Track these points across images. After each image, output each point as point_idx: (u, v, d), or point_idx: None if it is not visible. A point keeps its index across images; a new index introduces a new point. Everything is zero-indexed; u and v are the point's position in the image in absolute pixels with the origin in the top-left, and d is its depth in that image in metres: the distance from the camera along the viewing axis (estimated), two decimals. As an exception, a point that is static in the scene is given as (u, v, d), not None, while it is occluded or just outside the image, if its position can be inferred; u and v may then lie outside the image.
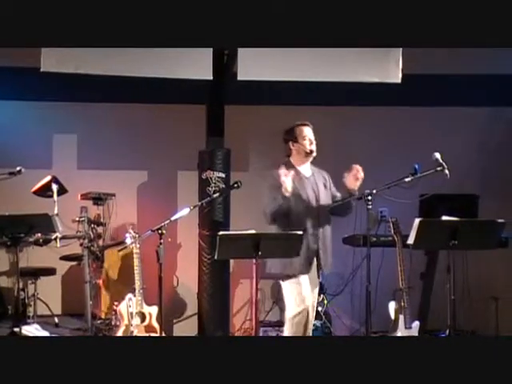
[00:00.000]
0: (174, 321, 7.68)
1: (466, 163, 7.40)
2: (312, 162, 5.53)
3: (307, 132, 5.41)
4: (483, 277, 7.32)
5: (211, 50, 6.52)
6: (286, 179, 5.15)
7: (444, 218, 5.16)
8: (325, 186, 5.47)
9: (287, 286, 5.35)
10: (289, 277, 5.32)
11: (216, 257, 5.14)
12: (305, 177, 5.43)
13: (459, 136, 7.57)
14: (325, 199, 5.43)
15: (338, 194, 5.47)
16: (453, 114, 7.68)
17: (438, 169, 5.16)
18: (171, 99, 7.48)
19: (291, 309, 5.29)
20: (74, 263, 7.34)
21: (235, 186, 5.58)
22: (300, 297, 5.29)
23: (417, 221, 5.05)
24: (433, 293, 7.05)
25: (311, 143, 5.40)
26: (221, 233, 5.10)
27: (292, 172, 5.23)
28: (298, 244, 5.10)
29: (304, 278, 5.31)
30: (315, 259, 5.35)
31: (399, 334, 6.25)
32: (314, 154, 5.42)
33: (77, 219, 6.86)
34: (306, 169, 5.46)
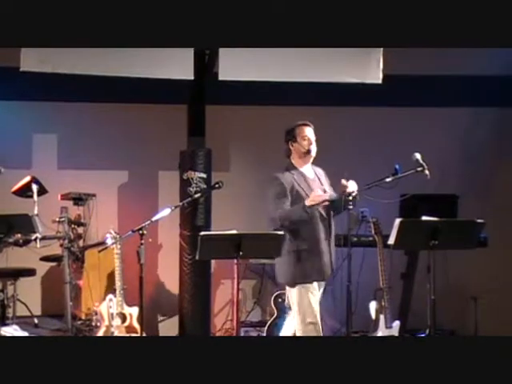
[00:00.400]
0: (155, 321, 7.65)
1: (445, 163, 7.44)
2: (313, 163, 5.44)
3: (307, 132, 5.33)
4: (463, 277, 7.37)
5: (192, 50, 6.51)
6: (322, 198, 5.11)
7: (424, 218, 5.19)
8: (327, 185, 5.40)
9: (295, 293, 5.27)
10: (299, 283, 5.26)
11: (197, 257, 5.13)
12: (310, 179, 5.35)
13: (439, 136, 7.61)
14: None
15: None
16: (433, 114, 7.72)
17: (419, 169, 5.19)
18: (152, 99, 7.46)
19: (303, 317, 5.21)
20: (54, 264, 7.30)
21: (216, 186, 5.58)
22: (311, 307, 5.21)
23: (397, 221, 5.07)
24: (413, 293, 7.08)
25: (310, 143, 5.31)
26: (202, 233, 5.09)
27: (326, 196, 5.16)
28: (279, 244, 5.10)
29: (315, 286, 5.25)
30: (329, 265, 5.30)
31: (380, 333, 6.27)
32: (313, 155, 5.35)
33: (57, 220, 6.82)
34: (308, 170, 5.39)
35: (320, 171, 5.47)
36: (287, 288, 5.37)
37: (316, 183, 5.36)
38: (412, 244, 5.39)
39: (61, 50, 5.84)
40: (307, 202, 5.12)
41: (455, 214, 6.84)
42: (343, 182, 5.13)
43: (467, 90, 7.59)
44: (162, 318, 7.65)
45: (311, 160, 5.39)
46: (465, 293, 7.25)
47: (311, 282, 5.24)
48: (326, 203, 5.23)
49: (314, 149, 5.34)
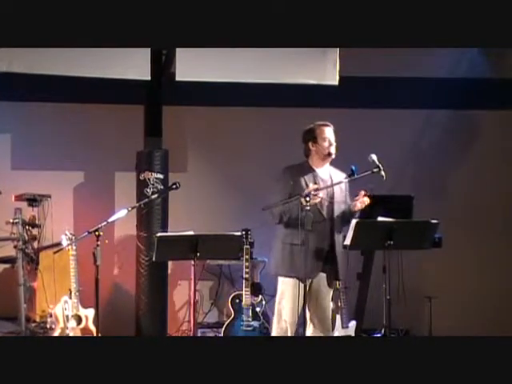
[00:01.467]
0: (111, 323, 7.59)
1: (400, 164, 7.54)
2: (330, 163, 5.40)
3: (328, 133, 5.29)
4: (418, 277, 7.46)
5: (149, 50, 6.48)
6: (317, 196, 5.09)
7: (380, 218, 5.24)
8: (340, 189, 5.31)
9: (279, 285, 5.27)
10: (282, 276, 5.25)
11: (154, 258, 5.11)
12: (321, 179, 5.29)
13: (394, 138, 7.69)
14: (340, 201, 5.29)
15: (348, 200, 5.34)
16: (387, 115, 7.80)
17: (375, 170, 5.23)
18: (108, 99, 7.40)
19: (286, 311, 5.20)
20: (7, 266, 7.20)
21: (173, 187, 5.56)
22: (289, 304, 5.18)
23: (353, 221, 5.12)
24: (369, 293, 7.14)
25: (330, 145, 5.26)
26: (159, 234, 5.08)
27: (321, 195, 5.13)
28: (236, 245, 5.11)
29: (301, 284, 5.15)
30: (327, 264, 5.22)
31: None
32: (333, 156, 5.30)
33: (11, 221, 6.74)
34: (323, 171, 5.32)
35: (339, 175, 5.34)
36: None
37: (326, 184, 5.27)
38: (368, 244, 5.44)
39: (16, 49, 5.76)
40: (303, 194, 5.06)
41: (410, 215, 6.91)
42: (364, 198, 5.14)
43: (420, 91, 7.68)
44: (118, 319, 7.59)
45: (329, 161, 5.33)
46: (419, 293, 7.34)
47: (293, 278, 5.18)
48: (326, 203, 5.19)
49: (333, 150, 5.29)
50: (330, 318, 5.33)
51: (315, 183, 5.21)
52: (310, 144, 5.31)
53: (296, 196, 5.11)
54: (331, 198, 5.26)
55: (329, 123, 5.35)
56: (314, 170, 5.30)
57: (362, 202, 5.17)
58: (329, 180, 5.32)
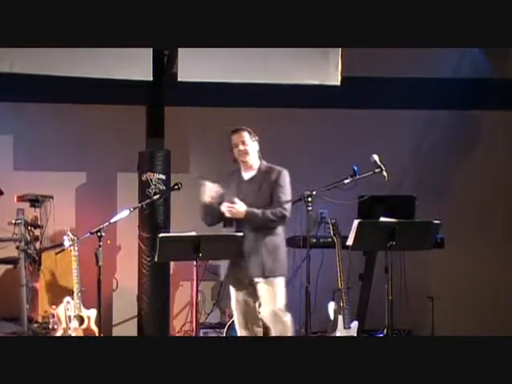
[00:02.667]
0: (113, 323, 7.60)
1: (402, 165, 7.54)
2: (269, 161, 5.40)
3: (234, 139, 5.29)
4: (420, 277, 7.46)
5: (151, 50, 6.48)
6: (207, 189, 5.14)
7: (382, 219, 5.24)
8: (260, 188, 5.29)
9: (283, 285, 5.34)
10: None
11: (156, 259, 5.11)
12: (243, 180, 5.33)
13: (396, 138, 7.69)
14: (255, 202, 5.25)
15: (280, 195, 5.29)
16: (390, 116, 7.80)
17: (377, 170, 5.23)
18: (111, 100, 7.40)
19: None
20: (10, 266, 7.20)
21: (175, 187, 5.56)
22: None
23: (356, 222, 5.11)
24: (371, 293, 7.14)
25: (238, 150, 5.27)
26: (161, 235, 5.08)
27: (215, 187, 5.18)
28: (238, 246, 5.10)
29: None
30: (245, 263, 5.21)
31: (338, 334, 6.31)
32: (244, 160, 5.27)
33: (13, 222, 6.75)
34: (248, 173, 5.34)
35: (274, 174, 5.32)
36: (274, 280, 5.29)
37: (246, 185, 5.28)
38: (370, 245, 5.44)
39: (18, 50, 5.76)
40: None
41: (412, 215, 6.91)
42: (237, 206, 5.16)
43: (422, 92, 7.68)
44: (120, 320, 7.59)
45: (249, 165, 5.30)
46: (422, 293, 7.34)
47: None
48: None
49: (245, 156, 5.26)
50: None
51: (238, 189, 5.25)
52: (232, 153, 5.34)
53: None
54: (244, 197, 5.25)
55: (237, 128, 5.32)
56: (240, 175, 5.34)
57: (229, 209, 5.15)
58: (251, 181, 5.29)
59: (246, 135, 5.30)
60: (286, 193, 5.29)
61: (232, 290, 5.32)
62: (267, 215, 5.19)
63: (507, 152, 7.88)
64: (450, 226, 5.97)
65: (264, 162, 5.39)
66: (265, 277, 5.20)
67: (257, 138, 5.37)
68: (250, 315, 5.27)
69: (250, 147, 5.30)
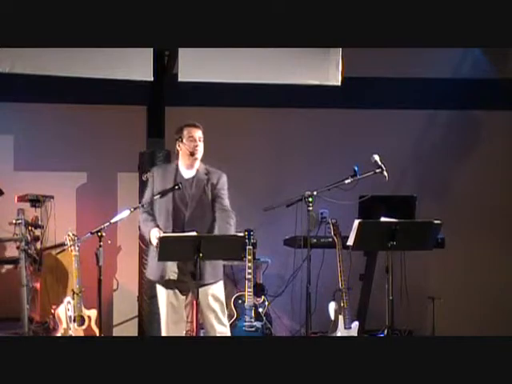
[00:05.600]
0: (114, 324, 7.60)
1: (402, 165, 7.54)
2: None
3: (192, 132, 5.22)
4: (420, 277, 7.46)
5: (151, 50, 6.48)
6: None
7: (383, 219, 5.24)
8: (204, 190, 5.22)
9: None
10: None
11: (157, 259, 5.10)
12: (184, 179, 5.24)
13: (396, 138, 7.69)
14: (195, 202, 5.20)
15: (225, 201, 5.24)
16: (390, 116, 7.80)
17: (377, 171, 5.24)
18: (111, 100, 7.40)
19: None
20: (10, 266, 7.20)
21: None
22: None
23: (356, 222, 5.11)
24: (372, 293, 7.14)
25: (196, 146, 5.21)
26: (161, 235, 5.07)
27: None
28: (239, 246, 5.10)
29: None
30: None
31: (339, 334, 6.32)
32: (196, 157, 5.21)
33: (13, 222, 6.75)
34: (188, 171, 5.25)
35: (215, 177, 5.26)
36: (219, 285, 5.28)
37: (187, 184, 5.22)
38: (371, 245, 5.44)
39: (18, 50, 5.77)
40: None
41: (413, 215, 6.91)
42: None
43: (423, 92, 7.69)
44: (120, 320, 7.59)
45: (196, 162, 5.24)
46: (422, 293, 7.34)
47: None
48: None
49: (198, 151, 5.21)
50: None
51: (176, 183, 5.17)
52: (178, 144, 5.26)
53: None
54: (187, 201, 5.20)
55: (198, 124, 5.27)
56: (177, 171, 5.25)
57: None
58: (190, 180, 5.23)
59: (201, 133, 5.27)
60: (227, 198, 5.27)
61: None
62: (232, 229, 5.18)
63: (507, 152, 7.88)
64: (450, 226, 5.97)
65: (202, 164, 5.31)
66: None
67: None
68: None
69: (202, 146, 5.26)
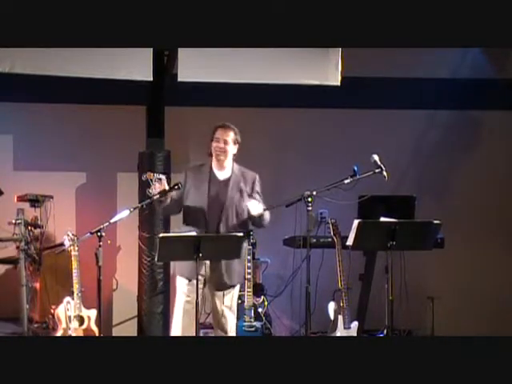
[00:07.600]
0: (114, 323, 7.60)
1: (402, 165, 7.55)
2: (243, 164, 5.38)
3: (218, 134, 5.23)
4: (420, 277, 7.46)
5: (151, 50, 6.49)
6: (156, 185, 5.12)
7: (382, 219, 5.24)
8: (240, 192, 5.25)
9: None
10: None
11: (156, 259, 5.11)
12: (217, 180, 5.25)
13: (396, 138, 7.70)
14: (232, 204, 5.23)
15: (258, 201, 5.25)
16: (389, 116, 7.80)
17: (377, 171, 5.24)
18: (110, 100, 7.40)
19: None
20: (9, 266, 7.20)
21: (175, 187, 5.55)
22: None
23: (356, 222, 5.12)
24: (371, 293, 7.14)
25: (219, 147, 5.20)
26: (161, 235, 5.08)
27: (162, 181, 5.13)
28: (238, 246, 5.10)
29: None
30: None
31: (338, 334, 6.32)
32: (219, 158, 5.22)
33: (13, 221, 6.75)
34: (221, 172, 5.28)
35: (249, 177, 5.30)
36: (234, 289, 5.34)
37: (219, 184, 5.22)
38: (370, 245, 5.45)
39: (18, 50, 5.77)
40: None
41: (412, 215, 6.92)
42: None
43: (422, 92, 7.69)
44: (120, 320, 7.60)
45: (222, 165, 5.25)
46: (422, 293, 7.34)
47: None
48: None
49: (222, 152, 5.21)
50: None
51: (212, 187, 5.18)
52: (210, 144, 5.27)
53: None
54: (221, 200, 5.20)
55: (225, 124, 5.26)
56: (211, 172, 5.26)
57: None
58: (226, 180, 5.24)
59: (231, 135, 5.26)
60: (261, 197, 5.32)
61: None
62: (267, 219, 5.25)
63: (508, 152, 7.89)
64: (449, 226, 5.98)
65: (236, 165, 5.33)
66: None
67: (239, 142, 5.31)
68: None
69: (230, 148, 5.26)
